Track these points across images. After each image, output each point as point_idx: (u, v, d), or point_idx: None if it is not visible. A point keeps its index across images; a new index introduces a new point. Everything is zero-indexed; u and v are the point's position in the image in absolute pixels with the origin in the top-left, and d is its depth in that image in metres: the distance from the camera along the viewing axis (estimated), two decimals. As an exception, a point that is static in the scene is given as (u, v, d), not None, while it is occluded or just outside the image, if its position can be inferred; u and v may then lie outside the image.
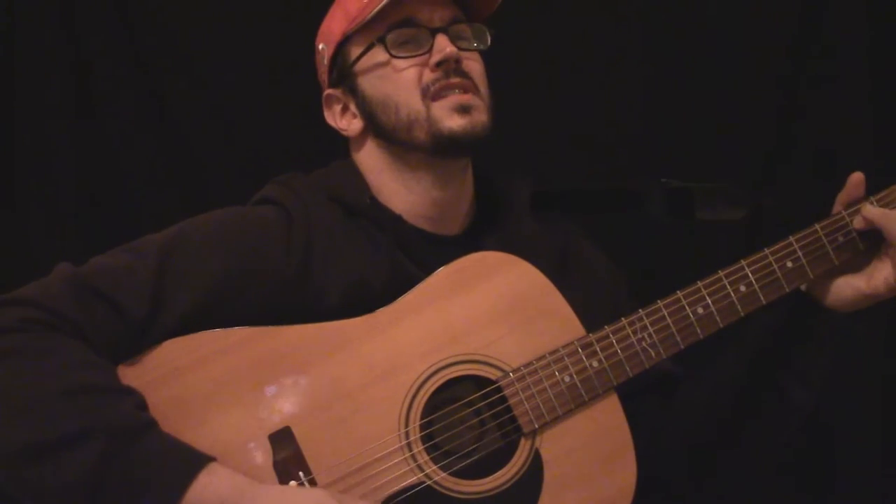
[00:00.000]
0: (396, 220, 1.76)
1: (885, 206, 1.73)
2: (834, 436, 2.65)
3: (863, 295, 1.72)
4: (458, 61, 1.73)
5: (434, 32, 1.74)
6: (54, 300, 1.55)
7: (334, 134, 1.86)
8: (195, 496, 1.48)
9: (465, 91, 1.73)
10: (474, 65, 1.78)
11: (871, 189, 1.76)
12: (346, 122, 1.83)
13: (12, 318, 1.53)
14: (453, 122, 1.72)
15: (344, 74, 1.81)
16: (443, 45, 1.73)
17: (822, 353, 1.76)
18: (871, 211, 1.71)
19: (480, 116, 1.74)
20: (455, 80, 1.73)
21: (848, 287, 1.73)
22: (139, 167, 2.51)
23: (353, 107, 1.82)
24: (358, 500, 1.55)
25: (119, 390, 1.54)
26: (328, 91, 1.85)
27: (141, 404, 1.54)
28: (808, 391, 1.77)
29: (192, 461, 1.50)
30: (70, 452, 1.46)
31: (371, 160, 1.81)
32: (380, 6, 1.72)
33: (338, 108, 1.84)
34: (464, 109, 1.72)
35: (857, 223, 1.72)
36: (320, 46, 1.86)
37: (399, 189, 1.79)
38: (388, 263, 1.71)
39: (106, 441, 1.47)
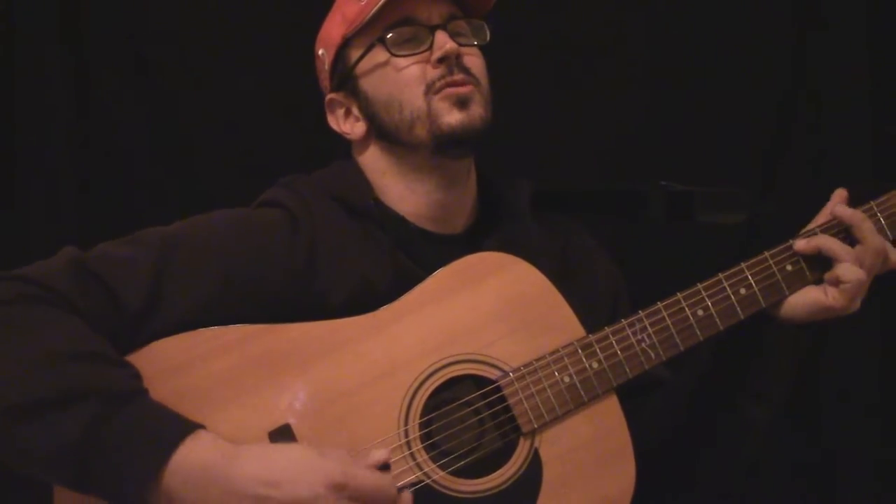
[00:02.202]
0: (399, 220, 1.77)
1: (885, 209, 1.74)
2: (834, 437, 2.66)
3: (822, 307, 1.72)
4: (458, 57, 1.74)
5: (433, 30, 1.75)
6: (54, 279, 1.56)
7: (336, 135, 1.86)
8: (180, 460, 1.48)
9: (466, 84, 1.74)
10: (475, 59, 1.79)
11: (871, 193, 1.77)
12: (349, 125, 1.84)
13: (10, 291, 1.54)
14: (452, 118, 1.72)
15: (345, 78, 1.82)
16: (443, 42, 1.74)
17: (776, 368, 1.76)
18: (821, 240, 1.71)
19: (479, 109, 1.74)
20: (458, 76, 1.74)
21: (806, 299, 1.73)
22: (139, 167, 2.52)
23: (355, 110, 1.82)
24: (339, 451, 1.54)
25: (111, 359, 1.54)
26: (330, 96, 1.86)
27: (133, 374, 1.54)
28: (763, 407, 1.77)
29: (180, 427, 1.50)
30: (57, 416, 1.47)
31: (374, 162, 1.82)
32: (377, 6, 1.73)
33: (340, 111, 1.85)
34: (462, 103, 1.73)
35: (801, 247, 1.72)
36: (320, 52, 1.87)
37: (402, 191, 1.79)
38: (391, 264, 1.72)
39: (97, 404, 1.47)
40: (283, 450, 1.54)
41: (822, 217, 1.76)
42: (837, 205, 1.74)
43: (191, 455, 1.48)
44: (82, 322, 1.55)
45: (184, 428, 1.50)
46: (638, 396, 1.80)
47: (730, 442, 1.81)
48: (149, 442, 1.48)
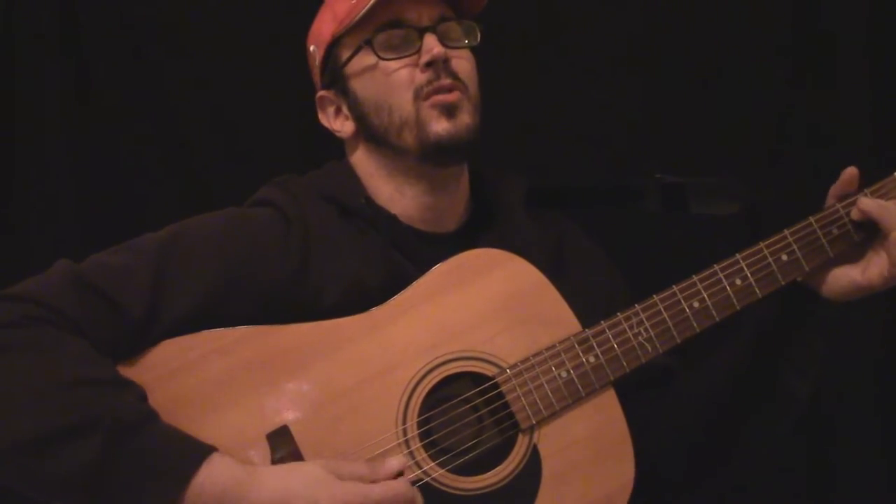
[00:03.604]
0: (391, 219, 1.77)
1: (880, 198, 1.73)
2: (835, 437, 2.65)
3: (858, 286, 1.72)
4: (446, 61, 1.74)
5: (422, 32, 1.75)
6: (54, 297, 1.56)
7: (330, 134, 1.87)
8: (196, 488, 1.49)
9: (453, 90, 1.74)
10: (464, 63, 1.78)
11: (867, 182, 1.76)
12: (339, 123, 1.84)
13: (12, 313, 1.54)
14: (439, 127, 1.72)
15: (335, 76, 1.82)
16: (431, 46, 1.73)
17: (817, 344, 1.77)
18: (867, 203, 1.70)
19: (465, 119, 1.74)
20: (446, 81, 1.73)
21: (844, 278, 1.73)
22: (138, 167, 2.53)
23: (345, 108, 1.82)
24: (350, 465, 1.55)
25: (119, 383, 1.54)
26: (321, 93, 1.86)
27: (142, 396, 1.55)
28: (804, 382, 1.77)
29: (194, 452, 1.51)
30: (72, 444, 1.47)
31: (364, 163, 1.82)
32: (366, 8, 1.72)
33: (331, 109, 1.85)
34: (449, 112, 1.73)
35: (854, 214, 1.72)
36: (311, 48, 1.87)
37: (392, 192, 1.79)
38: (384, 263, 1.71)
39: (107, 432, 1.47)
40: (300, 473, 1.53)
41: (831, 198, 1.76)
42: (862, 198, 1.71)
43: (207, 481, 1.49)
44: (85, 342, 1.55)
45: (198, 454, 1.51)
46: (650, 388, 1.80)
47: (770, 420, 1.81)
48: (164, 470, 1.49)
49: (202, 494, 1.49)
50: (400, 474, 1.56)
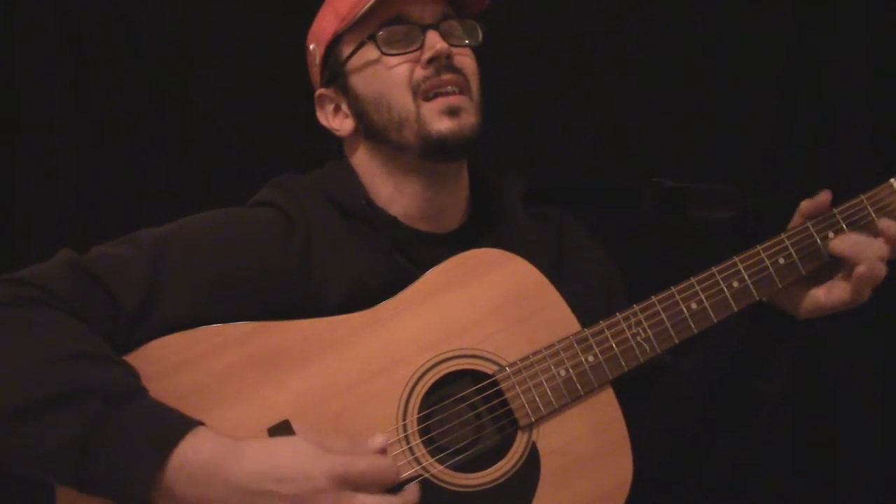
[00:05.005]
0: (392, 221, 1.78)
1: (876, 202, 1.76)
2: (835, 436, 2.66)
3: (820, 306, 1.74)
4: (449, 57, 1.75)
5: (425, 29, 1.76)
6: (51, 281, 1.57)
7: (329, 133, 1.87)
8: (180, 457, 1.48)
9: (458, 90, 1.75)
10: (466, 60, 1.79)
11: (864, 188, 1.78)
12: (338, 121, 1.85)
13: (9, 294, 1.55)
14: (442, 125, 1.73)
15: (335, 74, 1.83)
16: (434, 42, 1.74)
17: (783, 350, 1.79)
18: (837, 244, 1.72)
19: (469, 118, 1.75)
20: (447, 76, 1.74)
21: (809, 298, 1.74)
22: (138, 167, 2.53)
23: (344, 106, 1.83)
24: (340, 443, 1.55)
25: (109, 358, 1.55)
26: (320, 91, 1.87)
27: (132, 373, 1.55)
28: (774, 385, 1.80)
29: (179, 424, 1.51)
30: (57, 415, 1.47)
31: (363, 162, 1.83)
32: (370, 4, 1.74)
33: (330, 107, 1.86)
34: (452, 112, 1.73)
35: (833, 246, 1.72)
36: (311, 46, 1.88)
37: (392, 191, 1.80)
38: (385, 264, 1.72)
39: (94, 404, 1.48)
40: (285, 444, 1.54)
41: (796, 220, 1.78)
42: (834, 241, 1.73)
43: (191, 452, 1.49)
44: (80, 323, 1.56)
45: (184, 425, 1.51)
46: (643, 382, 1.82)
47: (741, 419, 1.83)
48: (149, 439, 1.49)
49: (186, 464, 1.48)
50: (383, 452, 1.57)
